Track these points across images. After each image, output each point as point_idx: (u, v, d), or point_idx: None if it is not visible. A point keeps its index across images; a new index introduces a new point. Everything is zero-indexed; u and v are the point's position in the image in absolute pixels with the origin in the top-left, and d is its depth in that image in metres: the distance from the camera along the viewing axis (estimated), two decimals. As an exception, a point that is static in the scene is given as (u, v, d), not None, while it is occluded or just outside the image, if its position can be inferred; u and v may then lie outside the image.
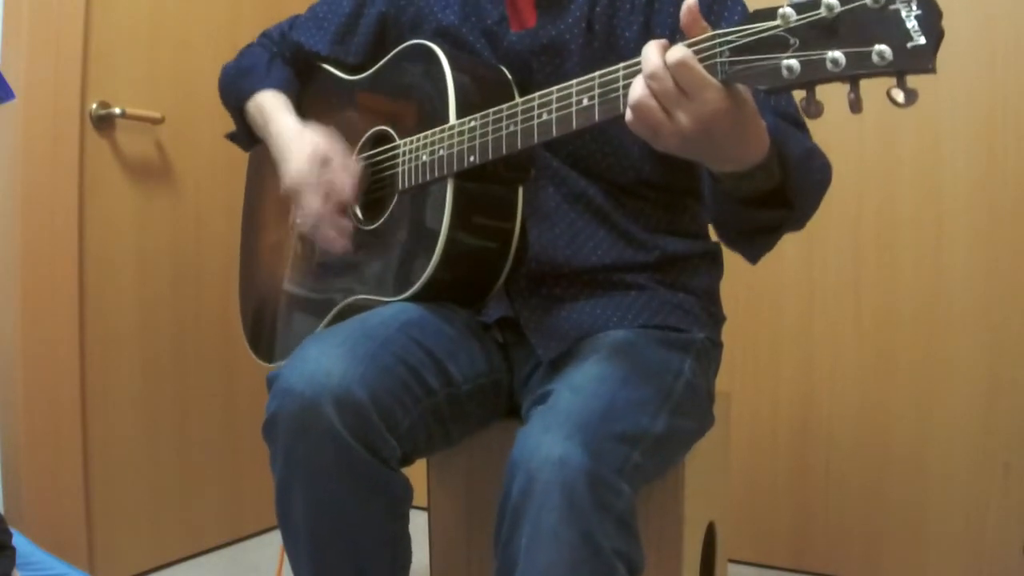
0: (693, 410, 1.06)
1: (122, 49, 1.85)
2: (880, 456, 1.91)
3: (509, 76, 1.14)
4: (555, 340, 1.11)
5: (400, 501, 1.03)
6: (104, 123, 1.82)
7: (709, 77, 0.78)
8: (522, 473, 0.87)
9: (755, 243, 1.01)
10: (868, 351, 1.91)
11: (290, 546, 1.03)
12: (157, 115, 1.89)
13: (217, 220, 2.06)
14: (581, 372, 0.99)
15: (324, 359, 0.96)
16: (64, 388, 1.75)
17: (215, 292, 2.06)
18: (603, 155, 1.13)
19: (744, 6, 1.09)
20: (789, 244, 1.93)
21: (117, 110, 1.80)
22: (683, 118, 0.79)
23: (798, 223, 0.99)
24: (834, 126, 1.97)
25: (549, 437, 0.87)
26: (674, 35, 1.07)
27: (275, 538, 1.53)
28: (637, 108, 0.80)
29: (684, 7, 0.79)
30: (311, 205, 1.14)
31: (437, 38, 1.19)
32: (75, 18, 1.74)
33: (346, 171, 1.15)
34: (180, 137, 1.98)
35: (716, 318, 1.22)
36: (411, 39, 1.21)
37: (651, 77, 0.79)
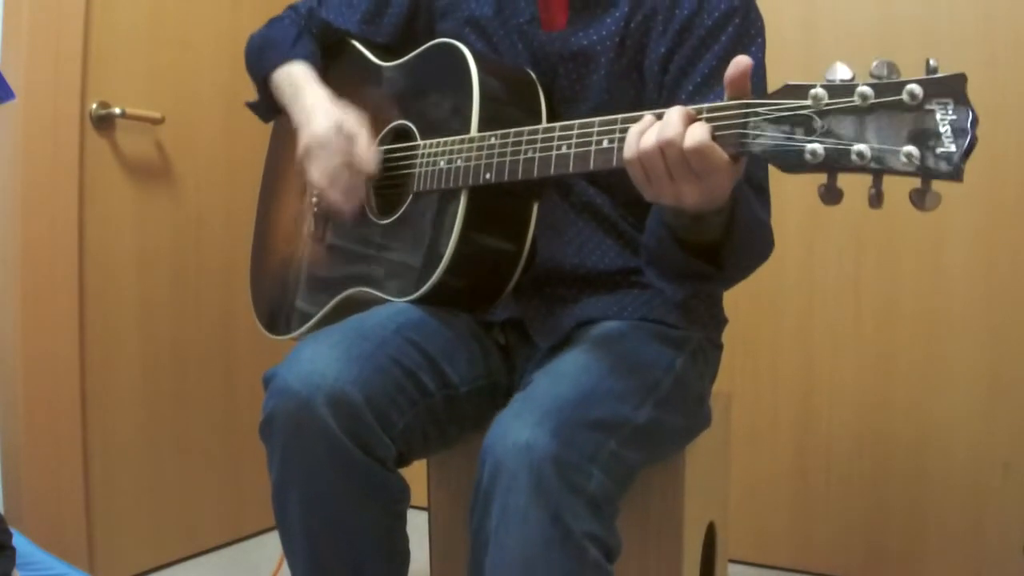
0: (680, 407, 1.07)
1: (122, 49, 1.85)
2: (880, 456, 1.91)
3: (537, 84, 1.13)
4: (556, 332, 1.11)
5: (396, 501, 1.03)
6: (104, 123, 1.82)
7: (724, 159, 0.78)
8: (491, 458, 0.89)
9: (684, 285, 1.04)
10: (868, 351, 1.91)
11: (286, 544, 1.04)
12: (157, 115, 1.89)
13: (217, 220, 2.06)
14: (566, 362, 1.00)
15: (319, 359, 0.97)
16: (64, 388, 1.75)
17: (215, 292, 2.06)
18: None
19: (760, 57, 1.07)
20: (790, 244, 1.94)
21: (117, 110, 1.80)
22: (687, 189, 0.80)
23: (724, 284, 1.02)
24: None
25: (519, 423, 0.89)
26: (689, 67, 1.07)
27: (275, 538, 1.53)
28: (645, 157, 0.81)
29: (736, 64, 0.78)
30: (328, 164, 1.13)
31: (467, 27, 1.18)
32: (75, 18, 1.74)
33: (370, 149, 1.14)
34: (180, 137, 1.97)
35: (717, 320, 1.23)
36: (442, 26, 1.21)
37: (667, 143, 0.79)
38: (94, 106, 1.79)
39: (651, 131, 0.81)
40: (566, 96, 1.13)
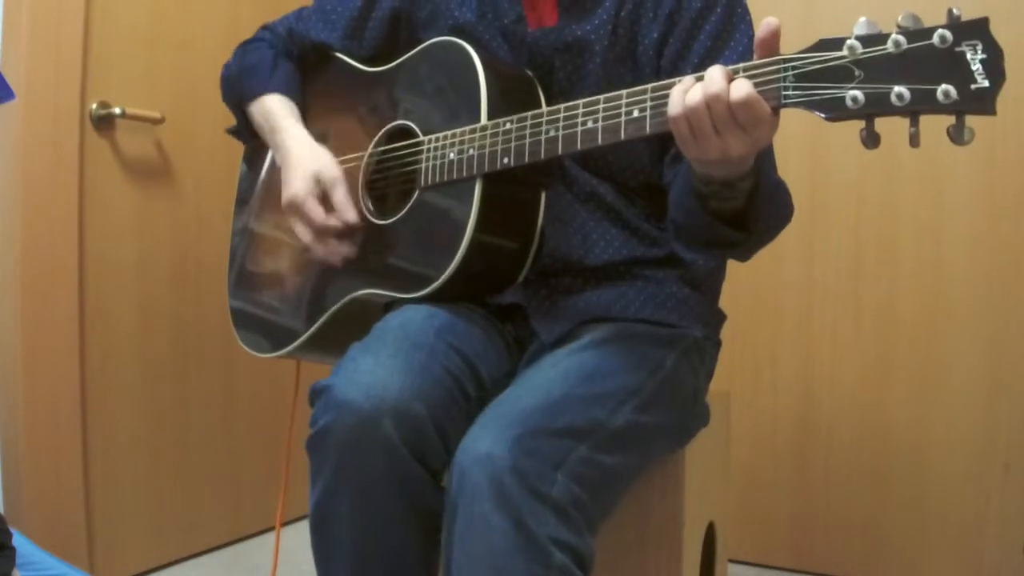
0: (669, 405, 1.07)
1: (122, 49, 1.85)
2: (880, 456, 1.91)
3: (535, 80, 1.14)
4: (559, 324, 1.11)
5: (438, 513, 1.02)
6: (104, 123, 1.82)
7: (768, 111, 0.82)
8: (457, 467, 0.90)
9: (713, 253, 1.05)
10: (868, 351, 1.91)
11: (324, 556, 1.02)
12: (157, 115, 1.89)
13: (217, 220, 2.06)
14: (545, 369, 1.01)
15: (380, 371, 0.96)
16: (64, 388, 1.75)
17: (215, 292, 2.06)
18: (614, 157, 1.13)
19: (751, 35, 1.09)
20: (789, 244, 1.94)
21: (117, 110, 1.80)
22: (733, 141, 0.83)
23: (751, 249, 1.03)
24: (833, 126, 1.97)
25: (484, 433, 0.90)
26: (685, 49, 1.09)
27: (275, 538, 1.53)
28: (692, 114, 0.83)
29: (767, 25, 0.82)
30: (309, 222, 1.16)
31: (453, 35, 1.19)
32: (75, 18, 1.74)
33: (347, 198, 1.16)
34: (180, 137, 1.97)
35: (718, 316, 1.23)
36: (426, 36, 1.21)
37: (713, 98, 0.82)
38: (94, 106, 1.79)
39: (696, 88, 0.84)
40: (563, 88, 1.14)
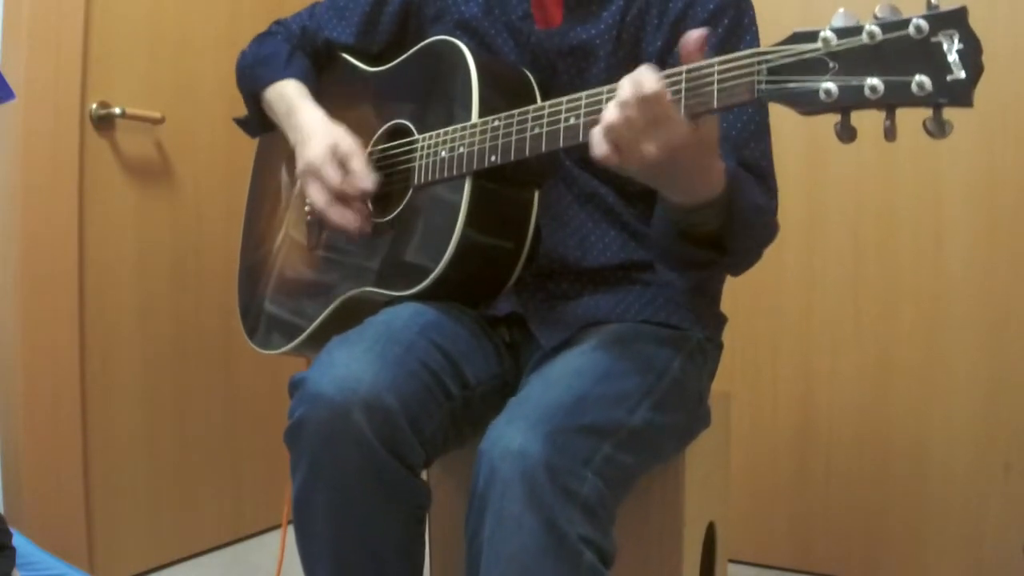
0: (678, 406, 1.07)
1: (122, 49, 1.85)
2: (880, 456, 1.90)
3: (532, 79, 1.14)
4: (559, 329, 1.11)
5: (420, 506, 1.03)
6: (104, 123, 1.82)
7: (675, 114, 0.81)
8: (486, 464, 0.89)
9: (686, 274, 1.06)
10: (868, 351, 1.91)
11: (307, 553, 1.02)
12: (157, 115, 1.89)
13: (217, 220, 2.06)
14: (561, 365, 1.01)
15: (354, 364, 0.96)
16: (64, 388, 1.75)
17: (215, 292, 2.06)
18: None
19: (758, 45, 1.09)
20: (789, 244, 1.94)
21: (117, 110, 1.80)
22: (648, 147, 0.82)
23: (732, 268, 1.04)
24: (832, 127, 1.97)
25: (512, 429, 0.89)
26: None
27: (275, 538, 1.53)
28: (608, 130, 0.83)
29: (689, 37, 0.81)
30: (324, 188, 1.14)
31: (458, 30, 1.19)
32: (75, 18, 1.74)
33: (365, 168, 1.14)
34: (180, 137, 1.98)
35: (719, 319, 1.23)
36: (433, 31, 1.21)
37: (622, 105, 0.82)
38: (94, 106, 1.79)
39: (609, 107, 0.83)
40: (565, 91, 1.13)
